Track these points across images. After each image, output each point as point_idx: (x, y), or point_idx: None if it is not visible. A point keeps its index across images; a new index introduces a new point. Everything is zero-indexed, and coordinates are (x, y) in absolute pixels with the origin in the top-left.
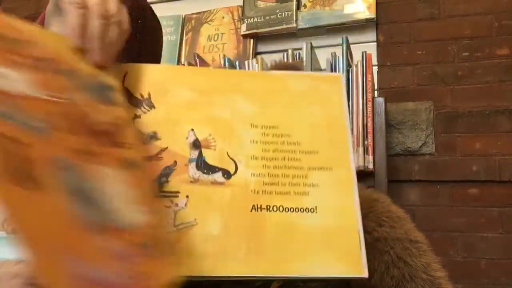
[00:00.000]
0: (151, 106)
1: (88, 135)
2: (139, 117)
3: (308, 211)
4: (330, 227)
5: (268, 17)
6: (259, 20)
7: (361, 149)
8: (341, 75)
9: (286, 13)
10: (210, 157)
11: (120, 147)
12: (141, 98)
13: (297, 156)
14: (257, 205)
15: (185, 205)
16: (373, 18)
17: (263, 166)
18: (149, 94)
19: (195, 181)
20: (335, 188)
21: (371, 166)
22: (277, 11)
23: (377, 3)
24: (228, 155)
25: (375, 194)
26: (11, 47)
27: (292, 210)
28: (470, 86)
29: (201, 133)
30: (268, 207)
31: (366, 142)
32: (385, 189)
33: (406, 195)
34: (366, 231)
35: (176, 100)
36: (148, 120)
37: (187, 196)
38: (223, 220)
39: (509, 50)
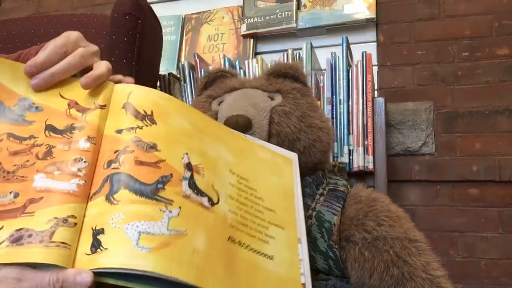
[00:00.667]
0: (153, 121)
1: None
2: (140, 128)
3: (268, 257)
4: (283, 276)
5: (268, 17)
6: (259, 20)
7: (361, 149)
8: (294, 158)
9: (286, 13)
10: (199, 182)
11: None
12: (143, 113)
13: (261, 209)
14: (232, 237)
15: (178, 214)
16: (373, 18)
17: (237, 207)
18: (151, 112)
19: (187, 196)
20: (286, 245)
21: (371, 166)
22: (277, 11)
23: (377, 3)
24: (213, 187)
25: (374, 193)
26: None
27: (257, 252)
28: (470, 86)
29: (194, 160)
30: (240, 243)
31: (366, 142)
32: (385, 189)
33: (406, 195)
34: (365, 230)
35: (175, 124)
36: (150, 133)
37: (180, 207)
38: (208, 239)
39: (509, 50)
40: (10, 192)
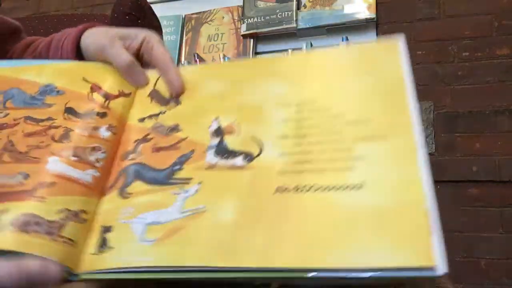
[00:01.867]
0: (178, 102)
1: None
2: (164, 112)
3: (352, 188)
4: (383, 205)
5: (268, 17)
6: (259, 20)
7: None
8: (400, 40)
9: (286, 13)
10: (232, 142)
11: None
12: (169, 97)
13: (339, 129)
14: (283, 186)
15: (196, 191)
16: (373, 18)
17: (294, 144)
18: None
19: (211, 167)
20: (391, 159)
21: None
22: (277, 11)
23: (377, 3)
24: (253, 138)
25: None
26: None
27: (329, 188)
28: (470, 86)
29: (226, 120)
30: (297, 188)
31: None
32: None
33: None
34: None
35: (202, 93)
36: (173, 115)
37: (199, 183)
38: (238, 206)
39: (509, 50)
40: (20, 173)
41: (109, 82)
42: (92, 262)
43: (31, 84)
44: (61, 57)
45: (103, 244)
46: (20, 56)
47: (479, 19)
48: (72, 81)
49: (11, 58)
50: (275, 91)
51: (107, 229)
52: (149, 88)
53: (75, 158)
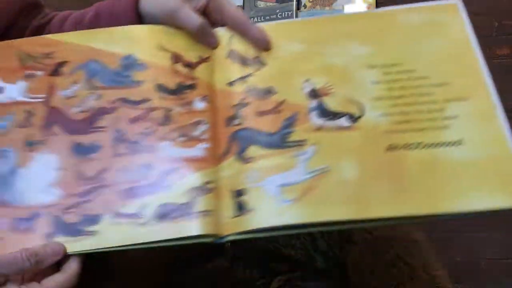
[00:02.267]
0: (262, 63)
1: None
2: (251, 75)
3: (452, 144)
4: (481, 158)
5: (268, 17)
6: (259, 20)
7: None
8: (457, 2)
9: (286, 13)
10: (331, 104)
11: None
12: (250, 58)
13: (428, 90)
14: (393, 144)
15: (314, 152)
16: None
17: (391, 105)
18: (257, 53)
19: (319, 128)
20: (477, 118)
21: None
22: (277, 11)
23: (377, 3)
24: (351, 100)
25: None
26: (29, 62)
27: (433, 145)
28: None
29: (317, 83)
30: (406, 145)
31: None
32: None
33: None
34: (366, 231)
35: (286, 54)
36: (261, 77)
37: (314, 144)
38: (358, 163)
39: (509, 50)
40: (143, 165)
41: (186, 48)
42: (235, 224)
43: (109, 55)
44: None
45: (241, 207)
46: (59, 32)
47: (479, 19)
48: (149, 50)
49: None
50: (358, 52)
51: (239, 193)
52: (224, 49)
53: (183, 138)
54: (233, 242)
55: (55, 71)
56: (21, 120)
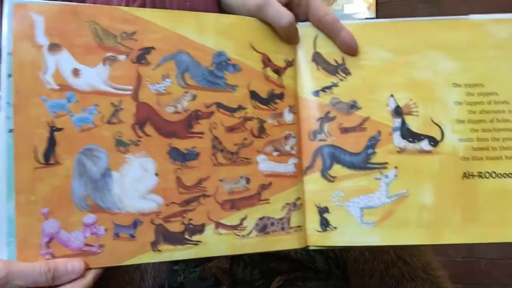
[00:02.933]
0: (347, 72)
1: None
2: (336, 85)
3: None
4: None
5: None
6: None
7: None
8: None
9: None
10: (414, 124)
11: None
12: (335, 64)
13: (506, 117)
14: (468, 172)
15: (395, 176)
16: (373, 18)
17: (470, 130)
18: (343, 59)
19: (401, 151)
20: None
21: None
22: None
23: (377, 3)
24: (433, 121)
25: None
26: (108, 41)
27: (505, 175)
28: None
29: (402, 99)
30: (480, 174)
31: None
32: None
33: None
34: None
35: (371, 63)
36: (346, 88)
37: (396, 167)
38: (435, 189)
39: None
40: (241, 177)
41: (273, 50)
42: (320, 238)
43: (200, 49)
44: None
45: (325, 224)
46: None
47: None
48: (241, 49)
49: None
50: (444, 67)
51: (324, 210)
52: (308, 51)
53: (277, 153)
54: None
55: (141, 57)
56: (107, 115)
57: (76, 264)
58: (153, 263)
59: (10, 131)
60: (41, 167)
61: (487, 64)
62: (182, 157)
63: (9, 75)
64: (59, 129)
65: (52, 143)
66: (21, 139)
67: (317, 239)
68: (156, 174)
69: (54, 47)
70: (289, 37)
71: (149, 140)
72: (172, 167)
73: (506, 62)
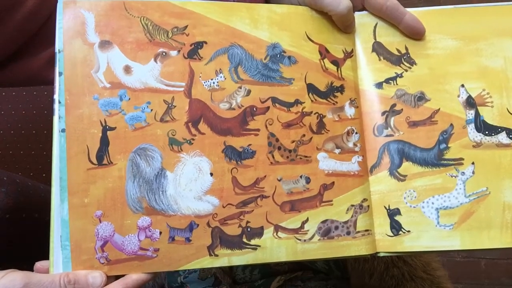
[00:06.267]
0: (412, 62)
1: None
2: (400, 76)
3: None
4: None
5: None
6: None
7: None
8: None
9: None
10: (489, 116)
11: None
12: (398, 54)
13: None
14: None
15: (473, 172)
16: None
17: None
18: (406, 48)
19: (477, 145)
20: None
21: None
22: None
23: None
24: (509, 111)
25: None
26: (159, 36)
27: None
28: None
29: (473, 89)
30: None
31: None
32: None
33: None
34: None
35: (438, 52)
36: (412, 79)
37: (472, 163)
38: None
39: None
40: (301, 177)
41: (330, 40)
42: (392, 244)
43: (253, 42)
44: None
45: (397, 227)
46: None
47: None
48: (296, 40)
49: None
50: None
51: (395, 212)
52: (368, 41)
53: (339, 150)
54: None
55: (193, 52)
56: (160, 112)
57: (97, 275)
58: None
59: (62, 131)
60: (94, 168)
61: None
62: (237, 155)
63: (60, 73)
64: (112, 128)
65: (105, 143)
66: (74, 139)
67: (388, 244)
68: (211, 174)
69: (105, 44)
70: (346, 25)
71: (203, 138)
72: (228, 166)
73: None
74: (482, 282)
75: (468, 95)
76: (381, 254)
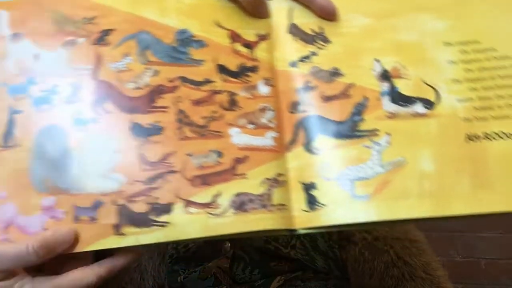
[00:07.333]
0: (326, 40)
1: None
2: (315, 54)
3: None
4: None
5: None
6: None
7: None
8: None
9: None
10: (404, 87)
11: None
12: (313, 33)
13: (510, 72)
14: (472, 134)
15: (388, 143)
16: None
17: (469, 89)
18: (321, 28)
19: (392, 116)
20: None
21: None
22: None
23: None
24: (425, 82)
25: None
26: (68, 26)
27: None
28: None
29: (388, 63)
30: (487, 135)
31: None
32: None
33: None
34: (366, 231)
35: (353, 30)
36: (326, 56)
37: (388, 133)
38: (436, 154)
39: None
40: (212, 151)
41: (242, 26)
42: (308, 219)
43: (162, 28)
44: None
45: (313, 201)
46: None
47: None
48: (206, 26)
49: None
50: (432, 27)
51: (310, 186)
52: (284, 24)
53: (252, 126)
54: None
55: (101, 39)
56: (66, 94)
57: (64, 231)
58: (153, 262)
59: None
60: (0, 150)
61: (481, 19)
62: (145, 132)
63: None
64: (19, 111)
65: (11, 125)
66: None
67: (305, 220)
68: (117, 152)
69: (16, 37)
70: (256, 11)
71: (109, 117)
72: (134, 143)
73: (503, 15)
74: (482, 282)
75: (382, 68)
76: (301, 231)
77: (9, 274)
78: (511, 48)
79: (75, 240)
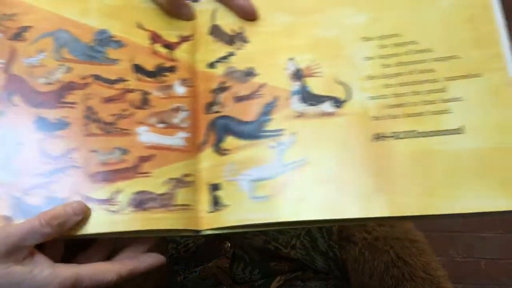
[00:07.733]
0: (245, 40)
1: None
2: (233, 54)
3: (452, 132)
4: (485, 149)
5: None
6: None
7: None
8: None
9: None
10: (316, 86)
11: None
12: (232, 34)
13: (430, 66)
14: (380, 133)
15: (292, 142)
16: None
17: (384, 85)
18: (241, 28)
19: (300, 115)
20: (488, 99)
21: None
22: None
23: None
24: (337, 80)
25: None
26: None
27: (428, 134)
28: None
29: (304, 61)
30: (395, 134)
31: None
32: None
33: None
34: (366, 231)
35: (273, 29)
36: (244, 56)
37: (293, 133)
38: (339, 155)
39: None
40: (116, 148)
41: (165, 27)
42: (212, 220)
43: (81, 27)
44: None
45: (216, 202)
46: None
47: None
48: (127, 28)
49: None
50: (352, 22)
51: (215, 187)
52: (206, 25)
53: (162, 125)
54: (223, 237)
55: (18, 35)
56: None
57: (75, 205)
58: None
59: None
60: None
61: (402, 12)
62: (50, 127)
63: None
64: None
65: None
66: None
67: (209, 221)
68: (19, 144)
69: None
70: (178, 12)
71: (16, 110)
72: (37, 137)
73: (425, 7)
74: (482, 282)
75: (295, 67)
76: (206, 232)
77: (28, 254)
78: (433, 40)
79: (86, 213)
